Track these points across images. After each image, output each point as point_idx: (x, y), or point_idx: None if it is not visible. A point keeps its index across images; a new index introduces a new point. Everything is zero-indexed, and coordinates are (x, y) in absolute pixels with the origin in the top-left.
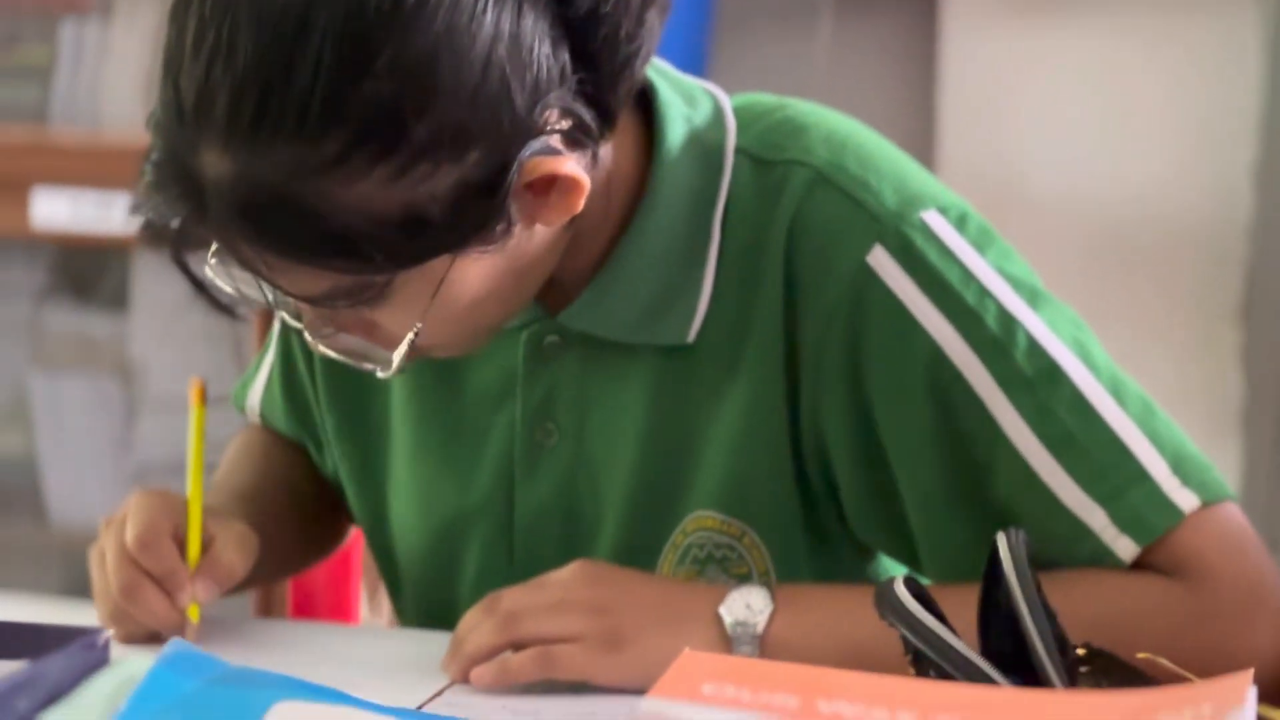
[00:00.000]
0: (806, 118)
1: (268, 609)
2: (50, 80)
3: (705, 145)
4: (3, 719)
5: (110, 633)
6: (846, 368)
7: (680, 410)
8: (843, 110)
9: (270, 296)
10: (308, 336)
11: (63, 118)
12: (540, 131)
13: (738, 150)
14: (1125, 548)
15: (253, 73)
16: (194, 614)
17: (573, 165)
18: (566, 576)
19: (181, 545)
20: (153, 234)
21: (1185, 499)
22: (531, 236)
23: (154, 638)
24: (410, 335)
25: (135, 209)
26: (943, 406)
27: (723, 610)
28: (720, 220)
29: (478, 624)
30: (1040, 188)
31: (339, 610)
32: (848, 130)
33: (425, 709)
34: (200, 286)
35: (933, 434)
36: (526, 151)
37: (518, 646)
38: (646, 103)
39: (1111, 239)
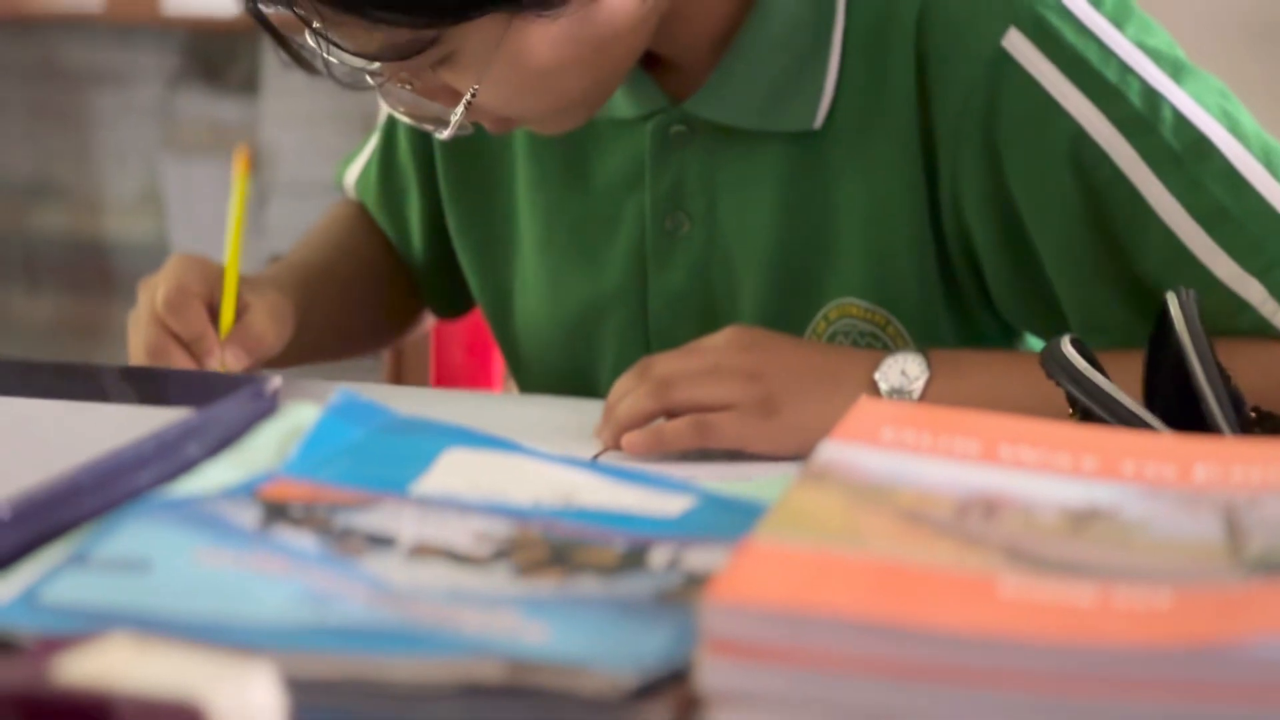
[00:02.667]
0: None
1: (400, 379)
2: None
3: None
4: (173, 464)
5: (279, 382)
6: (986, 153)
7: (813, 196)
8: None
9: (329, 57)
10: (381, 99)
11: None
12: None
13: None
14: None
15: None
16: None
17: None
18: (720, 342)
19: (215, 311)
20: None
21: None
22: (604, 7)
23: None
24: (467, 96)
25: None
26: (1089, 188)
27: (878, 376)
28: (845, 3)
29: (630, 390)
30: None
31: (481, 382)
32: None
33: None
34: (282, 41)
35: (1079, 215)
36: None
37: (671, 413)
38: None
39: (1257, 8)
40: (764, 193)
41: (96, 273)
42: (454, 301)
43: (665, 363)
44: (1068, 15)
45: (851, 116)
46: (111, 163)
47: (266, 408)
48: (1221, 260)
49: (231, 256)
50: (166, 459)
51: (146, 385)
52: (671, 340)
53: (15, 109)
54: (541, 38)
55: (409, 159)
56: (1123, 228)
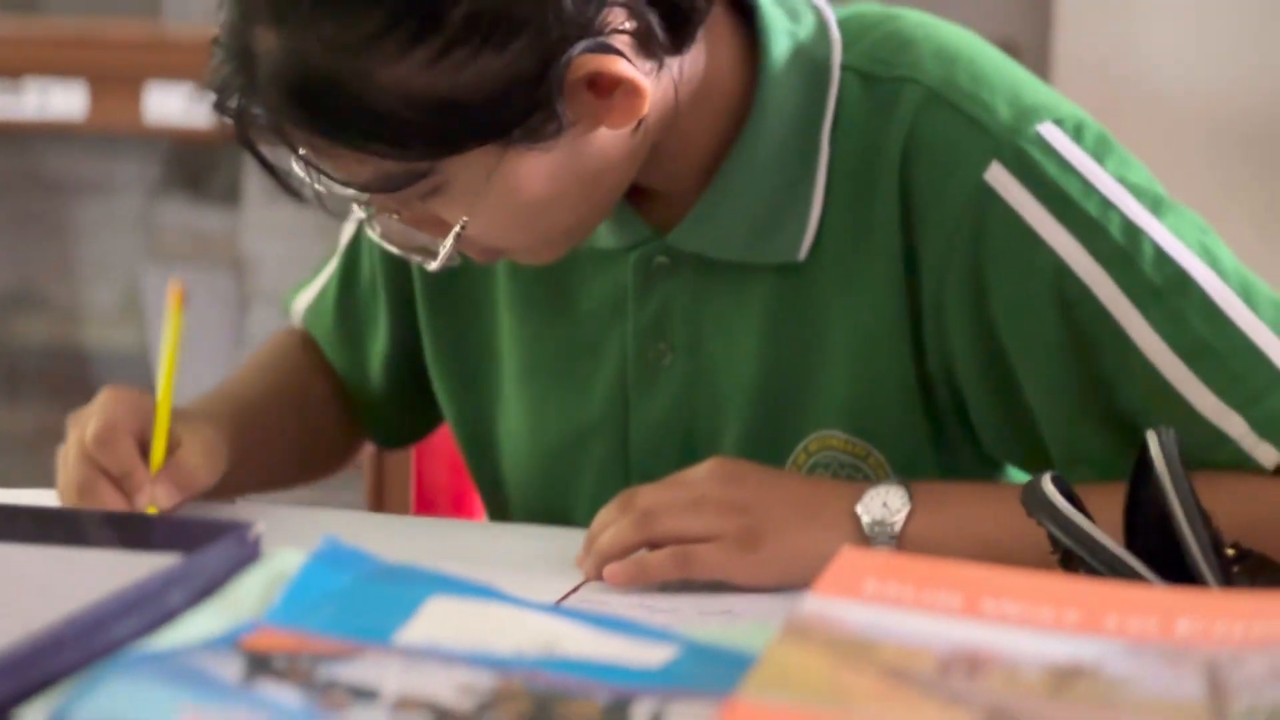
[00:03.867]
0: (914, 31)
1: (382, 505)
2: None
3: (811, 60)
4: (155, 613)
5: (262, 527)
6: (969, 286)
7: (797, 328)
8: None
9: (318, 186)
10: (367, 229)
11: (175, 13)
12: (598, 30)
13: (844, 67)
14: (1266, 454)
15: None
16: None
17: (627, 67)
18: (703, 474)
19: (146, 446)
20: (220, 112)
21: None
22: (595, 139)
23: None
24: (456, 229)
25: (205, 87)
26: (1070, 321)
27: (859, 509)
28: (829, 136)
29: (613, 521)
30: (1163, 81)
31: (464, 502)
32: (958, 43)
33: (560, 606)
34: (269, 168)
35: (1061, 349)
36: (576, 48)
37: (653, 544)
38: (748, 15)
39: (1238, 135)
40: (747, 324)
41: (78, 382)
42: (400, 432)
43: (648, 494)
44: (1049, 150)
45: (836, 248)
46: (93, 272)
47: (250, 554)
48: (1202, 394)
49: (164, 392)
50: (149, 609)
51: (129, 530)
52: (652, 470)
53: None
54: (534, 170)
55: (380, 287)
56: (1105, 361)
